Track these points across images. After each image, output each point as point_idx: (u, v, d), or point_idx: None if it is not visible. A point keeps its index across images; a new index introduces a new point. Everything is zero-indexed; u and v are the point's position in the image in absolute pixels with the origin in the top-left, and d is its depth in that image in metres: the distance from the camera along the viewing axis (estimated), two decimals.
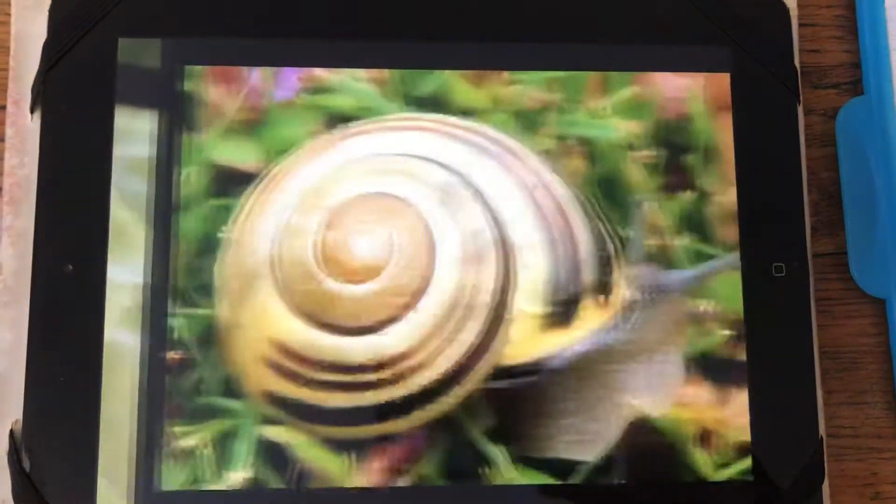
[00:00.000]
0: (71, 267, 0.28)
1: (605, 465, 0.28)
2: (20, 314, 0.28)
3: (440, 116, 0.30)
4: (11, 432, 0.27)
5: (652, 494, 0.28)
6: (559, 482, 0.28)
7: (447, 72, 0.30)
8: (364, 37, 0.30)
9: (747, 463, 0.29)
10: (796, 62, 0.31)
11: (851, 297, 0.32)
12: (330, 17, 0.30)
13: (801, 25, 0.33)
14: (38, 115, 0.29)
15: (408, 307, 0.28)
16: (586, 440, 0.28)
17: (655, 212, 0.29)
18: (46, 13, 0.29)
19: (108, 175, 0.29)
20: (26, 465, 0.27)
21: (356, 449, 0.28)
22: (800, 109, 0.31)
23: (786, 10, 0.31)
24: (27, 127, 0.29)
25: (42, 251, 0.28)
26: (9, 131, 0.29)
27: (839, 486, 0.31)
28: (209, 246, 0.28)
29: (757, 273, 0.30)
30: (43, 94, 0.29)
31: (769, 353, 0.30)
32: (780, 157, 0.31)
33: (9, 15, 0.30)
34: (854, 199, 0.32)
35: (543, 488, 0.28)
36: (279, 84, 0.30)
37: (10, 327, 0.28)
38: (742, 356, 0.29)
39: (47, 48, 0.29)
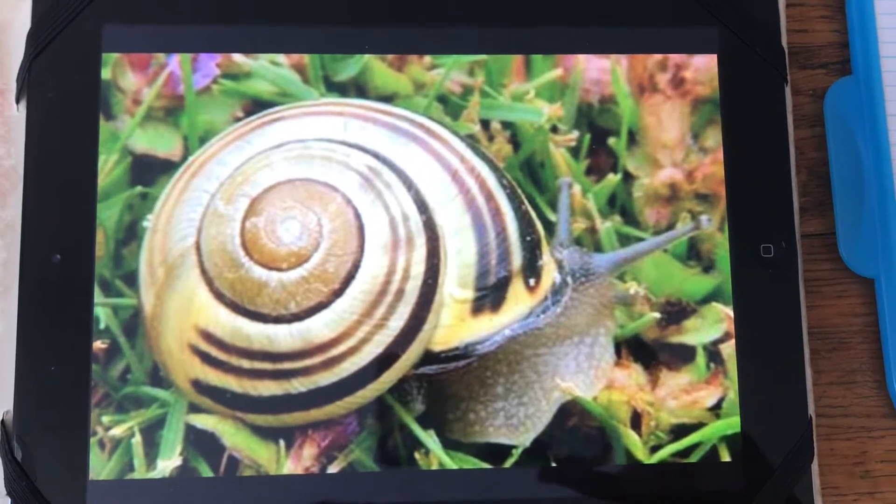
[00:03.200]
0: (59, 257, 0.36)
1: (537, 448, 0.37)
2: (9, 305, 0.36)
3: (361, 101, 0.38)
4: (2, 422, 0.35)
5: (584, 477, 0.37)
6: (491, 466, 0.36)
7: (367, 56, 0.39)
8: (283, 21, 0.38)
9: (680, 445, 0.37)
10: (784, 43, 0.40)
11: (840, 277, 0.40)
12: (248, 1, 0.38)
13: (788, 5, 0.41)
14: (23, 105, 0.37)
15: (336, 293, 0.36)
16: (517, 424, 0.37)
17: (580, 195, 0.38)
18: (30, 1, 0.37)
19: (94, 164, 0.36)
20: (18, 454, 0.35)
21: (286, 436, 0.36)
22: (787, 90, 0.40)
23: None
24: (13, 117, 0.37)
25: (30, 242, 0.36)
26: None
27: (829, 465, 0.39)
28: (133, 234, 0.36)
29: (745, 254, 0.38)
30: (28, 83, 0.37)
31: (758, 333, 0.38)
32: (769, 138, 0.39)
33: None
34: (842, 178, 0.40)
35: (476, 473, 0.36)
36: (197, 70, 0.38)
37: (0, 318, 0.36)
38: (672, 338, 0.38)
39: (32, 37, 0.37)
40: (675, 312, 0.38)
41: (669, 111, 0.39)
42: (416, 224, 0.37)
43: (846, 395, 0.40)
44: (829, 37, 0.42)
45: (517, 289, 0.37)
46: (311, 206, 0.37)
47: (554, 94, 0.39)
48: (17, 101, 0.37)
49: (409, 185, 0.37)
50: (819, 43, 0.42)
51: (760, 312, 0.38)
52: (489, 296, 0.37)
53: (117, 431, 0.35)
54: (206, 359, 0.36)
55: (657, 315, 0.38)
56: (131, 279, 0.36)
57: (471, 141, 0.38)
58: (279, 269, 0.36)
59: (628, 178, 0.38)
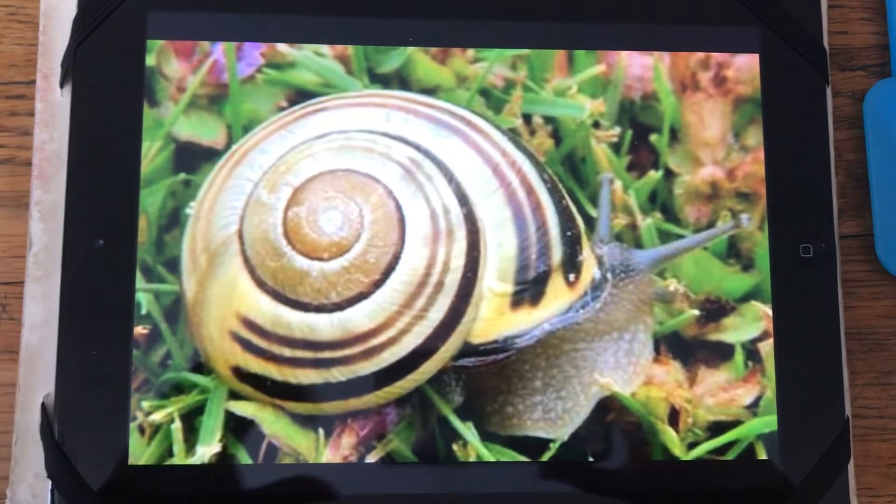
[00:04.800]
0: (101, 242, 0.36)
1: (575, 443, 0.36)
2: (51, 289, 0.36)
3: (404, 93, 0.38)
4: (44, 405, 0.35)
5: (621, 472, 0.37)
6: (529, 460, 0.36)
7: (411, 48, 0.39)
8: (328, 12, 0.38)
9: (717, 442, 0.37)
10: (825, 44, 0.40)
11: (877, 279, 0.40)
12: None
13: (829, 7, 0.41)
14: (67, 90, 0.37)
15: (376, 284, 0.36)
16: (555, 418, 0.37)
17: (621, 191, 0.38)
18: None
19: (138, 150, 0.36)
20: (59, 437, 0.35)
21: (325, 425, 0.36)
22: (829, 91, 0.40)
23: None
24: (57, 101, 0.37)
25: (73, 227, 0.36)
26: (38, 106, 0.37)
27: (864, 465, 0.39)
28: (176, 221, 0.36)
29: (785, 253, 0.38)
30: (73, 69, 0.37)
31: (796, 332, 0.38)
32: (809, 139, 0.39)
33: None
34: (881, 181, 0.40)
35: (513, 466, 0.36)
36: (242, 59, 0.38)
37: (42, 302, 0.36)
38: (710, 335, 0.38)
39: (77, 23, 0.37)
40: (715, 310, 0.38)
41: (711, 109, 0.39)
42: (456, 217, 0.37)
43: (882, 397, 0.39)
44: (870, 39, 0.42)
45: (557, 283, 0.37)
46: (353, 197, 0.37)
47: (596, 90, 0.38)
48: (62, 86, 0.37)
49: (451, 177, 0.37)
50: (859, 45, 0.42)
51: (799, 312, 0.38)
52: (529, 290, 0.37)
53: (157, 417, 0.35)
54: (247, 346, 0.36)
55: (696, 312, 0.38)
56: (173, 265, 0.36)
57: (512, 135, 0.38)
58: (321, 259, 0.36)
59: (669, 175, 0.38)
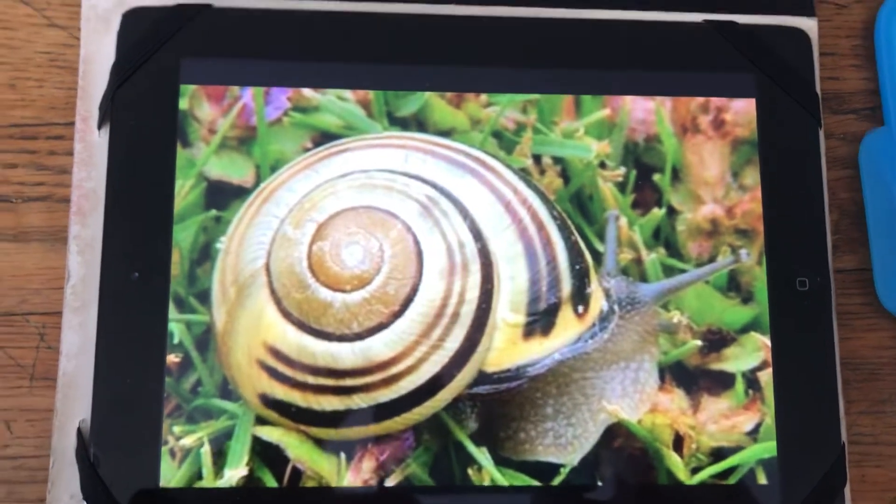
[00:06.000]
0: (137, 274, 0.37)
1: (584, 467, 0.38)
2: (88, 319, 0.37)
3: (422, 135, 0.40)
4: (79, 430, 0.36)
5: (628, 496, 0.38)
6: (540, 484, 0.38)
7: (428, 93, 0.40)
8: (350, 59, 0.40)
9: (720, 467, 0.38)
10: (817, 89, 0.42)
11: (871, 312, 0.42)
12: (318, 40, 0.40)
13: (821, 55, 0.43)
14: (105, 131, 0.39)
15: (396, 315, 0.38)
16: (566, 444, 0.38)
17: (627, 227, 0.40)
18: (114, 36, 0.39)
19: (171, 188, 0.38)
20: (94, 460, 0.36)
21: (347, 449, 0.37)
22: (821, 133, 0.41)
23: (807, 40, 0.42)
24: (94, 142, 0.39)
25: (110, 259, 0.37)
26: (77, 146, 0.39)
27: (859, 491, 0.40)
28: (207, 255, 0.38)
29: (782, 286, 0.40)
30: (111, 112, 0.38)
31: (794, 362, 0.39)
32: (804, 179, 0.41)
33: (78, 39, 0.40)
34: (878, 225, 0.41)
35: (526, 490, 0.37)
36: (269, 103, 0.40)
37: (78, 331, 0.37)
38: (712, 365, 0.39)
39: (115, 69, 0.39)
40: (716, 341, 0.39)
41: (710, 151, 0.40)
42: (471, 251, 0.38)
43: (876, 424, 0.41)
44: (860, 84, 0.43)
45: (567, 315, 0.39)
46: (374, 233, 0.38)
47: (602, 132, 0.40)
48: (99, 128, 0.39)
49: (465, 214, 0.39)
50: (850, 90, 0.43)
51: (796, 343, 0.39)
52: (540, 321, 0.38)
53: (188, 441, 0.36)
54: (273, 374, 0.37)
55: (699, 343, 0.39)
56: (204, 297, 0.37)
57: (523, 174, 0.40)
58: (343, 291, 0.37)
59: (672, 212, 0.40)
